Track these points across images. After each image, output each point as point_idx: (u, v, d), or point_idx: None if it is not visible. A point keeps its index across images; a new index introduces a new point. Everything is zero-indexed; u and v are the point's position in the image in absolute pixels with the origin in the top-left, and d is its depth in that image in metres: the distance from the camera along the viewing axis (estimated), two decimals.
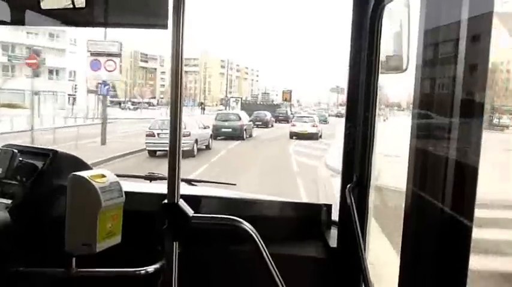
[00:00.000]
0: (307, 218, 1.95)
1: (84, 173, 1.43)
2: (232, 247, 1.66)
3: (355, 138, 1.62)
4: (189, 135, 15.91)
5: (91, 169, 1.79)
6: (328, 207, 1.94)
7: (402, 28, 1.55)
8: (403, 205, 1.06)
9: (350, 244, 1.54)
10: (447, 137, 0.95)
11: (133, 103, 69.48)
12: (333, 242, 1.76)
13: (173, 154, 1.21)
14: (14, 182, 1.75)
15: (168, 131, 1.21)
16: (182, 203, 1.24)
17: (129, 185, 1.65)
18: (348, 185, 1.60)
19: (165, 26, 1.76)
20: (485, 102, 0.89)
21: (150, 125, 17.33)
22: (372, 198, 1.63)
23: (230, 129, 22.78)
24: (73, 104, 43.88)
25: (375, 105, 1.58)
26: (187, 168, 9.34)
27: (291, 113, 36.97)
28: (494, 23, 0.86)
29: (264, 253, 1.25)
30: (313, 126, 24.79)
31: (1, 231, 1.58)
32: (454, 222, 0.92)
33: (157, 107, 62.83)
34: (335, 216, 1.90)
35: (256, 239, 1.26)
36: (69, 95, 46.91)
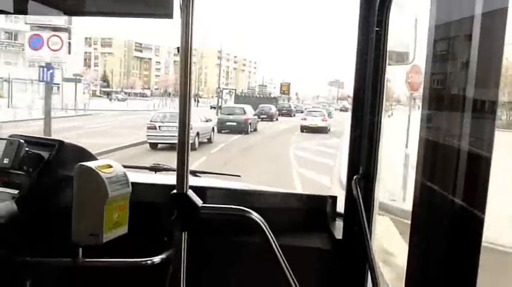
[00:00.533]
0: (312, 209, 1.96)
1: (90, 164, 1.43)
2: (238, 237, 1.67)
3: (362, 130, 1.62)
4: (191, 128, 15.83)
5: (97, 159, 1.79)
6: (334, 199, 1.95)
7: (409, 20, 1.55)
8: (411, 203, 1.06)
9: (355, 236, 1.55)
10: (459, 133, 0.94)
11: (126, 93, 68.90)
12: (338, 233, 1.77)
13: (182, 146, 1.25)
14: (20, 172, 1.75)
15: (169, 124, 1.22)
16: (191, 193, 1.24)
17: (134, 176, 1.65)
18: (354, 177, 1.61)
19: (170, 16, 1.73)
20: (497, 99, 0.89)
21: (152, 118, 17.09)
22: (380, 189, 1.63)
23: (235, 123, 22.73)
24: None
25: (382, 98, 1.58)
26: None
27: (304, 108, 37.32)
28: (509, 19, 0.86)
29: (273, 244, 1.26)
30: (323, 120, 25.50)
31: (8, 221, 1.58)
32: (465, 218, 0.92)
33: (150, 98, 61.51)
34: (339, 208, 1.91)
35: (265, 230, 1.26)
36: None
